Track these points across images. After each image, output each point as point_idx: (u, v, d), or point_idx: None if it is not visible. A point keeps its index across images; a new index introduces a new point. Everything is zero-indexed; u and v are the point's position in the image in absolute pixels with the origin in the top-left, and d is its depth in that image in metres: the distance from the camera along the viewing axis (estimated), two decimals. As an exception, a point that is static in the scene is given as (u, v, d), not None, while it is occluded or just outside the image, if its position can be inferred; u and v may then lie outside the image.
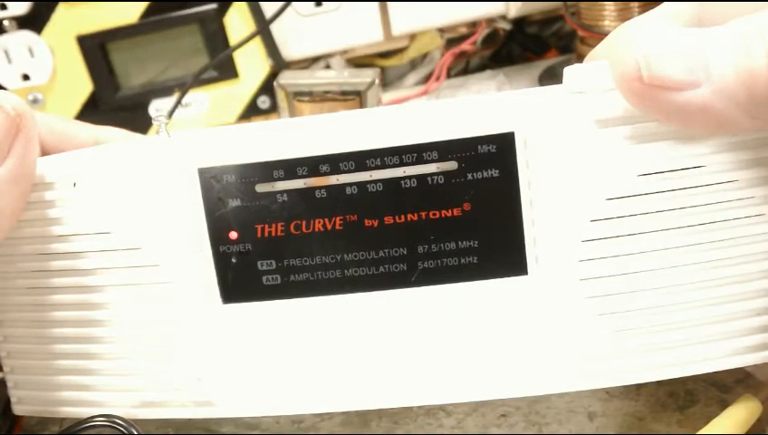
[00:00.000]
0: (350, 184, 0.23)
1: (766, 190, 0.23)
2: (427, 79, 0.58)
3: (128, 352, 0.26)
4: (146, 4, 0.51)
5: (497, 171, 0.23)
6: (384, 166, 0.23)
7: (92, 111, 0.52)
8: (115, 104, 0.53)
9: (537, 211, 0.23)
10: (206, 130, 0.33)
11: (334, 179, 0.23)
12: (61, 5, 0.51)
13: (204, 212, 0.24)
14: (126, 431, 0.23)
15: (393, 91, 0.58)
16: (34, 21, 0.51)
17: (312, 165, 0.23)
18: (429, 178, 0.23)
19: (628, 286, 0.23)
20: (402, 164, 0.23)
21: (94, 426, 0.24)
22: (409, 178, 0.23)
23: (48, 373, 0.27)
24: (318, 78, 0.50)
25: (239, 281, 0.24)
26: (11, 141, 0.24)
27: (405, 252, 0.24)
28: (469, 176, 0.23)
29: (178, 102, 0.51)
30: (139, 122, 0.49)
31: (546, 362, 0.24)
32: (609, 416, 0.28)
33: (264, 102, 0.55)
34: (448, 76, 0.57)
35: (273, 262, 0.24)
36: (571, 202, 0.23)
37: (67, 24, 0.51)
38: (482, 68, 0.60)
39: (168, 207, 0.24)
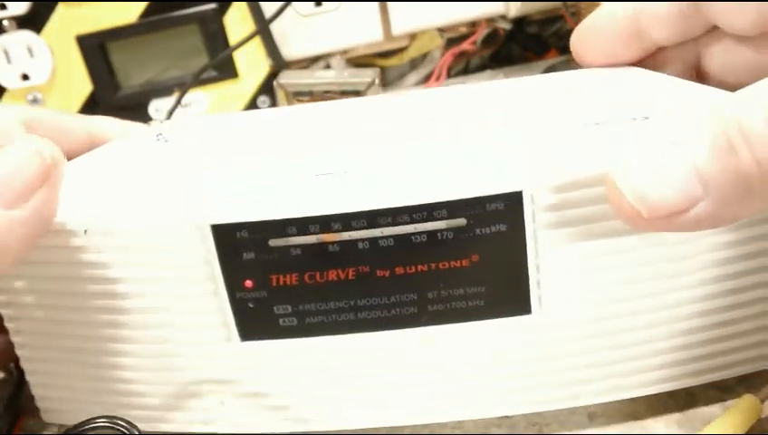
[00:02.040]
0: (362, 240, 0.24)
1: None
2: (427, 79, 0.58)
3: (149, 379, 0.26)
4: (145, 3, 0.51)
5: (505, 226, 0.23)
6: (395, 223, 0.23)
7: (92, 111, 0.52)
8: (115, 104, 0.53)
9: (542, 258, 0.24)
10: (201, 120, 0.33)
11: (346, 235, 0.24)
12: (60, 5, 0.51)
13: (218, 264, 0.24)
14: (128, 432, 0.23)
15: (393, 91, 0.58)
16: (34, 21, 0.51)
17: (325, 223, 0.24)
18: (439, 234, 0.24)
19: (624, 325, 0.25)
20: (413, 221, 0.23)
21: (96, 427, 0.24)
22: (420, 233, 0.24)
23: (71, 391, 0.28)
24: (318, 78, 0.50)
25: (256, 323, 0.25)
26: (37, 187, 0.24)
27: (415, 297, 0.24)
28: (477, 231, 0.23)
29: (178, 102, 0.51)
30: (139, 122, 0.49)
31: (546, 383, 0.26)
32: (609, 416, 0.28)
33: (263, 102, 0.55)
34: (448, 76, 0.57)
35: (289, 307, 0.25)
36: (573, 249, 0.24)
37: (67, 23, 0.51)
38: (482, 68, 0.60)
39: (183, 259, 0.24)
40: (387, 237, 0.24)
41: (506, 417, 0.28)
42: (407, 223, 0.23)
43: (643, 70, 0.31)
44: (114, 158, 0.30)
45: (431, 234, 0.24)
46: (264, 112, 0.35)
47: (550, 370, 0.26)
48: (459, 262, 0.24)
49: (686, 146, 0.20)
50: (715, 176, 0.20)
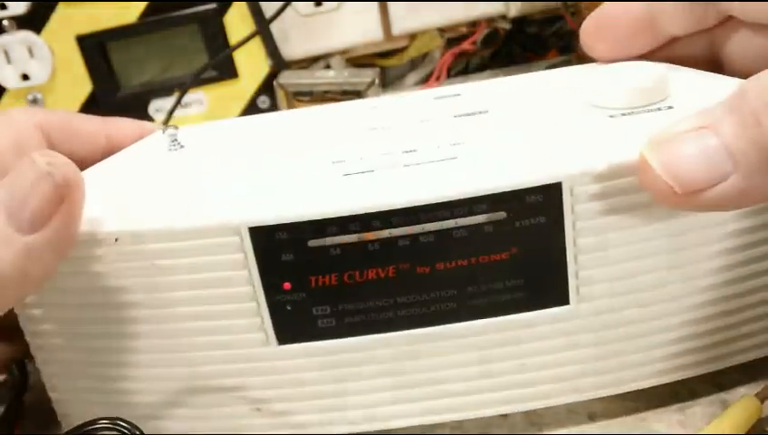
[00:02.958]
0: (403, 236, 0.24)
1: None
2: (427, 79, 0.58)
3: (182, 387, 0.26)
4: (145, 3, 0.51)
5: (544, 218, 0.24)
6: (436, 219, 0.24)
7: (92, 111, 0.52)
8: (115, 104, 0.53)
9: (579, 249, 0.24)
10: (211, 125, 0.33)
11: (387, 233, 0.24)
12: (60, 5, 0.51)
13: (256, 267, 0.24)
14: (129, 433, 0.23)
15: (393, 91, 0.58)
16: (34, 21, 0.51)
17: (365, 221, 0.23)
18: (479, 228, 0.24)
19: (656, 313, 0.26)
20: (453, 217, 0.24)
21: (97, 429, 0.24)
22: (460, 228, 0.24)
23: (92, 401, 0.27)
24: (318, 78, 0.50)
25: (294, 325, 0.25)
26: (53, 210, 0.22)
27: (455, 293, 0.25)
28: (517, 224, 0.24)
29: (178, 102, 0.51)
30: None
31: (583, 372, 0.26)
32: (609, 416, 0.28)
33: (263, 102, 0.55)
34: (448, 76, 0.57)
35: (328, 308, 0.25)
36: (608, 239, 0.24)
37: (67, 23, 0.51)
38: (482, 68, 0.60)
39: (220, 263, 0.24)
40: (428, 233, 0.24)
41: (505, 416, 0.28)
42: (448, 218, 0.24)
43: (653, 63, 0.31)
44: (132, 165, 0.30)
45: (471, 228, 0.24)
46: (276, 115, 0.35)
47: (582, 359, 0.26)
48: (499, 255, 0.24)
49: (714, 124, 0.21)
50: (742, 149, 0.20)
